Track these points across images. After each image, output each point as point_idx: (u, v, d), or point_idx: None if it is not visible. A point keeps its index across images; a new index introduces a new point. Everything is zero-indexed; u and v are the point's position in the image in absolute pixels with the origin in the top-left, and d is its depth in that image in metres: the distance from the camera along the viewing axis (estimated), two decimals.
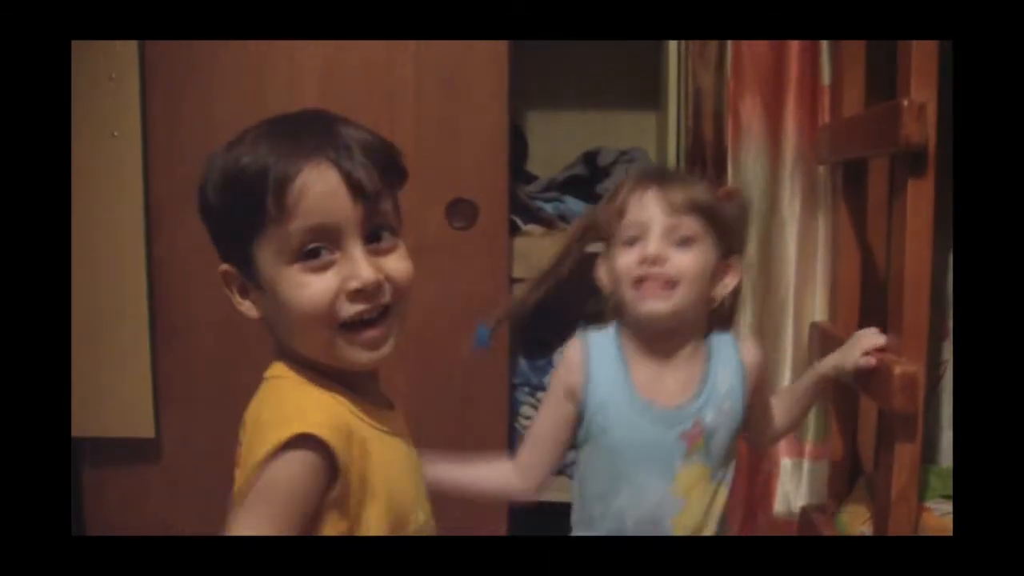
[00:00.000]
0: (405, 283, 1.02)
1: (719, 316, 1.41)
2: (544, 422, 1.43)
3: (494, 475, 1.47)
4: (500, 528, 2.08)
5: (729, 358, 1.39)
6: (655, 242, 1.31)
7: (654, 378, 1.36)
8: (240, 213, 0.95)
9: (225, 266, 1.01)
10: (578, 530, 1.44)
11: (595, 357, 1.38)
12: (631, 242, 1.33)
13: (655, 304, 1.31)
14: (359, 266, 0.96)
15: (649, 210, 1.33)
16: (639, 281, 1.31)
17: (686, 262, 1.31)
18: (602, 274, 1.41)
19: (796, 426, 1.61)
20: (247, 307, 1.02)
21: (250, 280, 0.99)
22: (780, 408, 1.50)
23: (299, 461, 0.91)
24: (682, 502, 1.35)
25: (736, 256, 1.39)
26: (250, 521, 0.91)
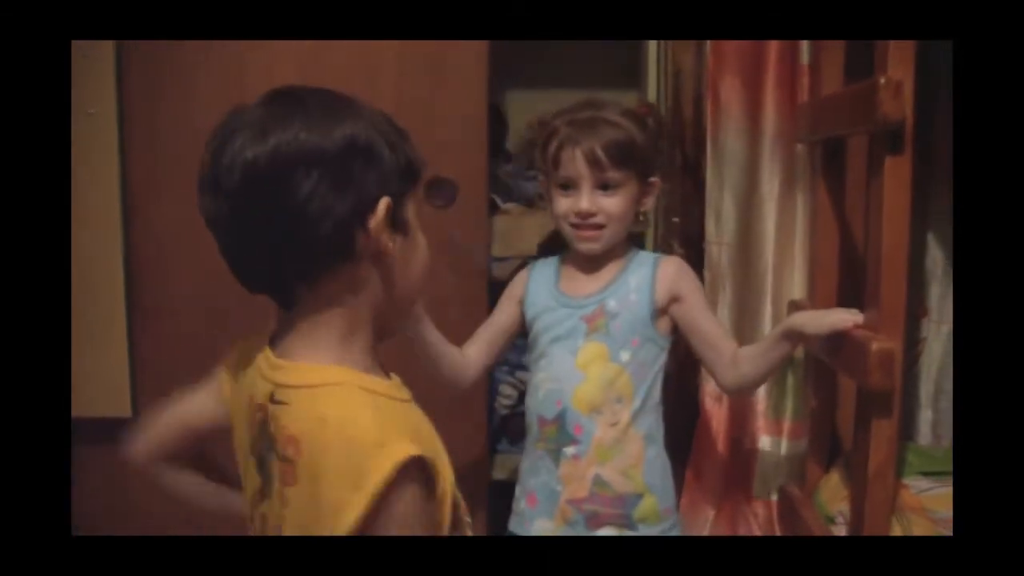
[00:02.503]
0: None
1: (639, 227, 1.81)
2: (489, 320, 1.79)
3: (452, 363, 1.71)
4: (479, 532, 2.08)
5: (645, 264, 1.69)
6: (585, 198, 1.61)
7: (575, 280, 1.70)
8: None
9: None
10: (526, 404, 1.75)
11: (536, 271, 1.77)
12: (564, 187, 1.63)
13: (589, 245, 1.65)
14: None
15: (578, 166, 1.60)
16: (575, 226, 1.63)
17: (612, 206, 1.62)
18: (544, 193, 1.73)
19: (762, 378, 1.64)
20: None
21: None
22: (747, 355, 1.61)
23: (413, 484, 0.94)
24: (582, 375, 1.64)
25: (655, 174, 1.68)
26: None
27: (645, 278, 1.66)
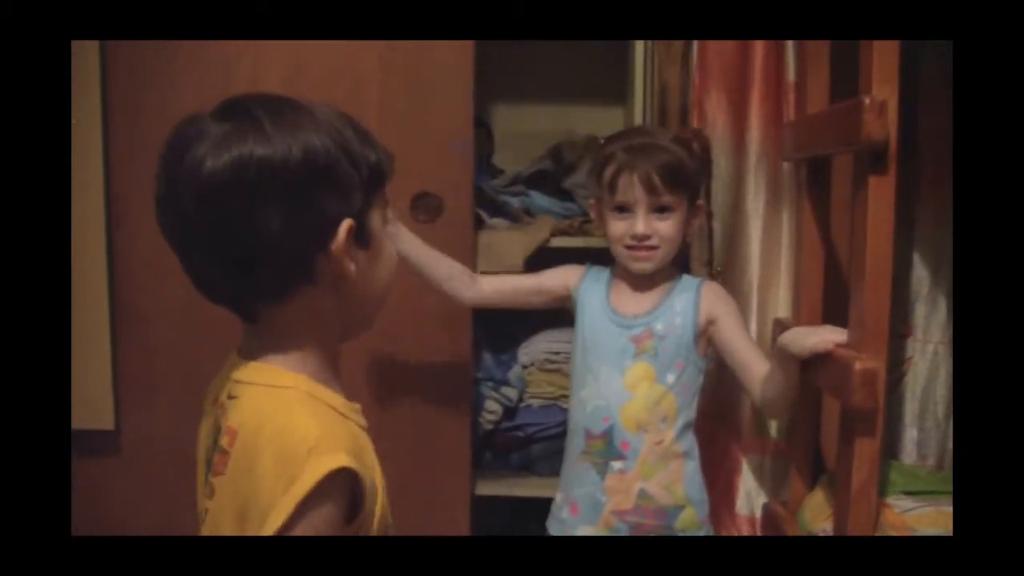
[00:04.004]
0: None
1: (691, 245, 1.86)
2: (526, 277, 1.89)
3: (451, 265, 1.82)
4: (463, 527, 2.07)
5: (690, 289, 1.75)
6: (641, 222, 1.68)
7: (626, 296, 1.76)
8: None
9: None
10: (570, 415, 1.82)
11: (590, 274, 1.83)
12: (620, 210, 1.70)
13: (642, 265, 1.72)
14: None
15: (635, 191, 1.67)
16: (630, 248, 1.70)
17: (666, 228, 1.69)
18: (595, 216, 1.82)
19: (781, 399, 1.65)
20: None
21: None
22: (766, 375, 1.66)
23: (338, 496, 0.93)
24: (630, 394, 1.71)
25: (700, 196, 1.78)
26: None
27: (689, 302, 1.73)
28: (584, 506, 1.75)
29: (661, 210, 1.68)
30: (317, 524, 0.91)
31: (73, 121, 1.94)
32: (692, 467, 1.75)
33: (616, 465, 1.71)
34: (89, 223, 1.98)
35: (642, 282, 1.76)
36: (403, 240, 1.74)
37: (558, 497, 1.82)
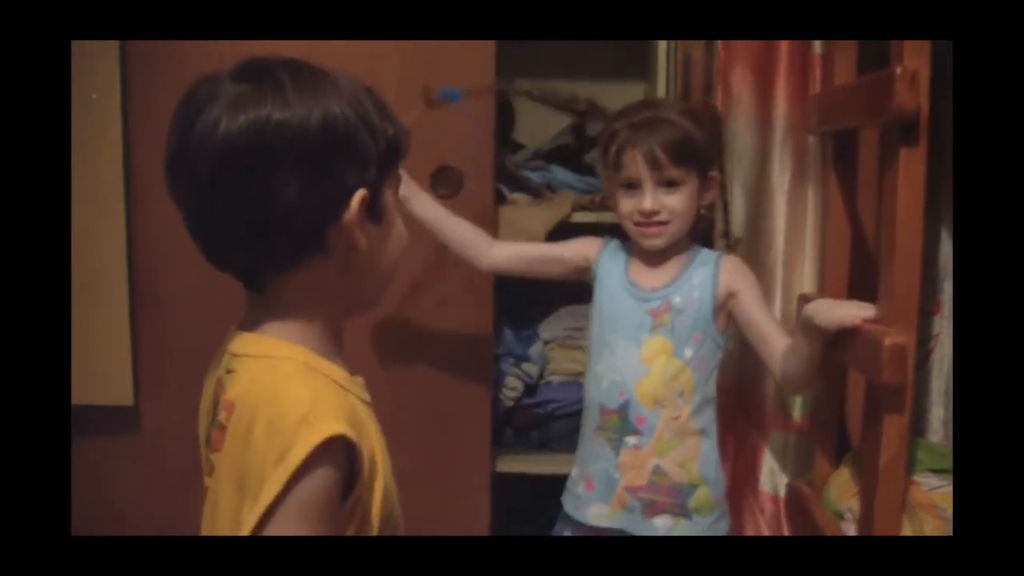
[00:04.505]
0: None
1: (700, 223, 1.79)
2: (545, 245, 1.93)
3: (469, 230, 1.82)
4: (483, 526, 2.07)
5: (709, 262, 1.73)
6: (649, 198, 1.65)
7: (644, 269, 1.74)
8: None
9: None
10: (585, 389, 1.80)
11: (609, 247, 1.80)
12: (627, 187, 1.68)
13: (654, 241, 1.69)
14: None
15: (639, 167, 1.64)
16: (639, 224, 1.68)
17: (675, 203, 1.66)
18: (606, 192, 1.81)
19: (803, 374, 1.62)
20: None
21: None
22: (787, 350, 1.64)
23: (333, 466, 0.91)
24: (646, 368, 1.68)
25: (714, 168, 1.74)
26: (295, 532, 0.89)
27: (708, 275, 1.71)
28: (598, 482, 1.73)
29: (668, 184, 1.65)
30: (312, 495, 0.89)
31: (93, 96, 1.93)
32: (708, 445, 1.73)
33: (631, 441, 1.69)
34: (108, 201, 1.97)
35: (659, 255, 1.73)
36: (419, 201, 1.75)
37: (574, 472, 1.80)
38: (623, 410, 1.69)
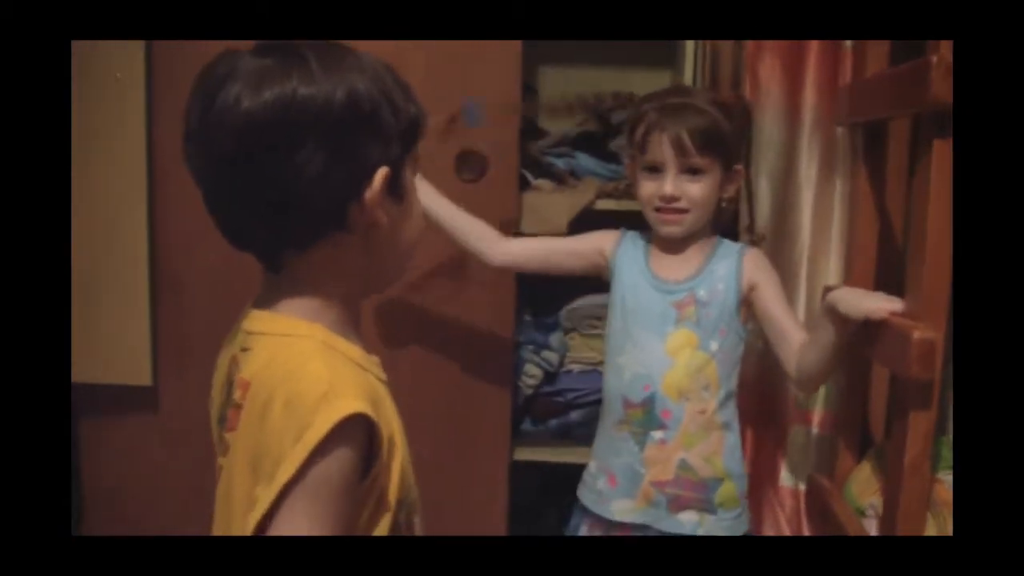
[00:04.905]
0: None
1: (723, 215, 1.77)
2: (557, 240, 1.86)
3: (477, 225, 1.79)
4: (500, 518, 2.06)
5: (731, 255, 1.70)
6: (670, 183, 1.63)
7: (665, 261, 1.71)
8: None
9: None
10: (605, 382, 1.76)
11: (627, 241, 1.77)
12: (650, 171, 1.65)
13: (672, 229, 1.67)
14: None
15: (664, 151, 1.62)
16: (659, 210, 1.66)
17: (696, 191, 1.64)
18: (629, 176, 1.78)
19: (819, 367, 1.59)
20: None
21: None
22: (805, 343, 1.61)
23: (352, 444, 0.90)
24: (671, 361, 1.66)
25: (739, 161, 1.71)
26: (305, 523, 0.88)
27: (731, 268, 1.68)
28: (622, 478, 1.70)
29: (692, 172, 1.63)
30: (330, 474, 0.88)
31: (118, 76, 1.92)
32: (733, 440, 1.70)
33: (656, 435, 1.66)
34: (131, 181, 1.96)
35: (679, 246, 1.70)
36: (425, 193, 1.70)
37: (592, 466, 1.77)
38: (648, 403, 1.67)
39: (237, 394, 0.96)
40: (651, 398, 1.66)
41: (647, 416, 1.67)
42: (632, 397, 1.68)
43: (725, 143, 1.64)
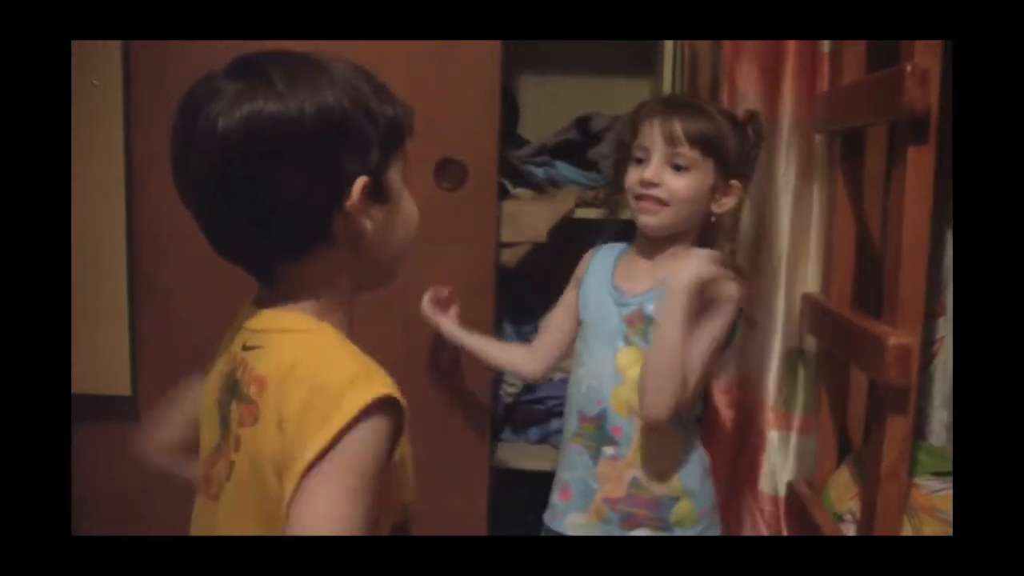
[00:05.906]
0: None
1: (717, 230, 1.69)
2: (555, 310, 1.79)
3: (508, 355, 1.85)
4: (480, 525, 2.06)
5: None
6: (653, 168, 1.58)
7: (631, 271, 1.67)
8: None
9: None
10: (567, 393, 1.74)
11: (598, 256, 1.75)
12: (639, 161, 1.62)
13: (647, 218, 1.61)
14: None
15: (652, 137, 1.59)
16: (638, 197, 1.61)
17: (678, 185, 1.58)
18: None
19: (657, 370, 1.52)
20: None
21: None
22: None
23: (384, 425, 0.92)
24: (621, 377, 1.61)
25: (739, 179, 1.63)
26: (341, 494, 0.88)
27: None
28: (576, 491, 1.66)
29: (678, 168, 1.57)
30: (366, 451, 0.90)
31: (95, 83, 1.91)
32: (691, 456, 1.63)
33: (608, 451, 1.62)
34: (109, 188, 1.95)
35: (653, 252, 1.64)
36: (452, 332, 1.83)
37: (554, 481, 1.74)
38: (600, 419, 1.62)
39: (251, 390, 0.97)
40: (603, 413, 1.62)
41: (599, 431, 1.63)
42: (587, 411, 1.65)
43: (722, 148, 1.59)
